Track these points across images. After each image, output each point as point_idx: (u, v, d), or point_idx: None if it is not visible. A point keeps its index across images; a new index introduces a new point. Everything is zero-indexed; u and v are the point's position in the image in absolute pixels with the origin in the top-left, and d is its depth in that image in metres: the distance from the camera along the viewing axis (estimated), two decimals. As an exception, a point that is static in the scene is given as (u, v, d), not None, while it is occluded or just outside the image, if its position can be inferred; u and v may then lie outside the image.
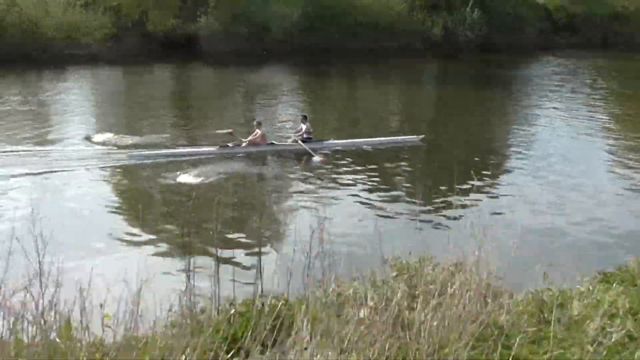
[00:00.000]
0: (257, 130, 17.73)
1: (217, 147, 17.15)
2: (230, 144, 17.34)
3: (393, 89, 31.41)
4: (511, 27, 47.10)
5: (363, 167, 15.81)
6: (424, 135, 18.76)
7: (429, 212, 12.16)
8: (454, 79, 35.79)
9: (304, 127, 18.19)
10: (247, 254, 9.87)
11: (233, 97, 27.74)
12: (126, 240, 10.68)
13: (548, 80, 33.34)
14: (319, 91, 29.93)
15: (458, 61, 41.64)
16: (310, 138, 18.01)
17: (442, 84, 34.92)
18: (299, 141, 17.73)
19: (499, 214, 12.10)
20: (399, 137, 18.89)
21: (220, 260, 6.20)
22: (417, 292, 5.01)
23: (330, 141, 18.15)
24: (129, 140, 17.93)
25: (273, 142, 17.90)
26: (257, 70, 35.18)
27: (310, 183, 14.62)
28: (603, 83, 33.05)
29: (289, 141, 18.10)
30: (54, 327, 4.06)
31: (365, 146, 18.04)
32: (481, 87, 31.37)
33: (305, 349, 3.92)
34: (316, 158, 16.55)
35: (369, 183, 14.55)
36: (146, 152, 16.64)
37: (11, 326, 3.95)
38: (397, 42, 42.95)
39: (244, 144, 17.47)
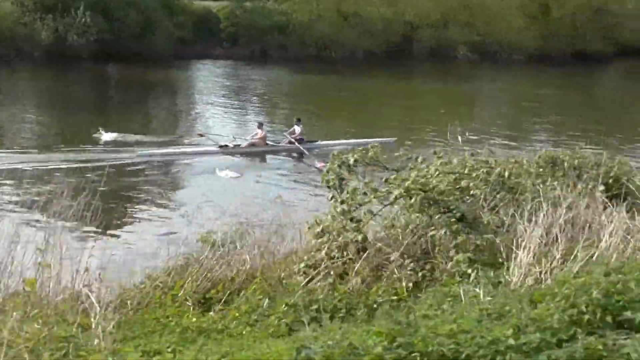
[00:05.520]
0: (258, 130, 19.61)
1: (218, 146, 18.90)
2: (230, 144, 19.14)
3: None
4: (139, 35, 40.89)
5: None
6: (396, 138, 19.77)
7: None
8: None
9: (297, 129, 19.76)
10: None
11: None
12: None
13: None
14: None
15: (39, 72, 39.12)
16: (303, 139, 19.62)
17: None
18: (295, 142, 19.46)
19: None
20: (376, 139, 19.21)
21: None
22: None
23: (321, 142, 19.68)
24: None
25: (268, 142, 19.86)
26: None
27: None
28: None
29: (284, 142, 19.97)
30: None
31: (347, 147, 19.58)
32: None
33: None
34: (317, 163, 17.05)
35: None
36: (152, 151, 18.84)
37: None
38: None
39: (243, 145, 19.30)
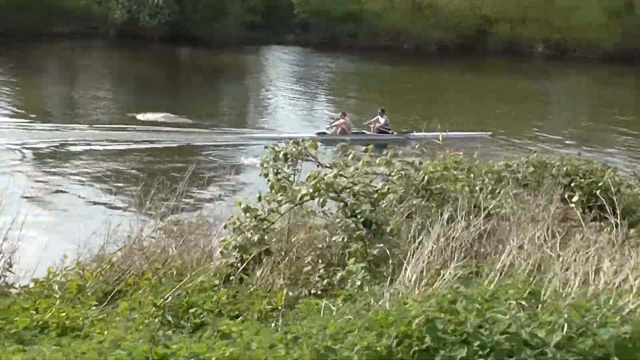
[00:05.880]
0: (341, 119, 19.94)
1: (316, 133, 18.74)
2: (328, 132, 19.56)
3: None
4: (210, 18, 40.89)
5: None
6: (491, 132, 20.52)
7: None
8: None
9: (381, 119, 20.00)
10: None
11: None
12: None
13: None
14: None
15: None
16: (389, 129, 19.93)
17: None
18: (381, 132, 19.81)
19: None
20: (469, 133, 19.73)
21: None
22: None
23: (416, 133, 18.86)
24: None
25: (363, 131, 20.12)
26: None
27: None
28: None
29: (370, 132, 20.05)
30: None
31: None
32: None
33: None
34: None
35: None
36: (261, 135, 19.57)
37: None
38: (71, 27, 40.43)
39: (331, 131, 19.63)
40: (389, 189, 6.10)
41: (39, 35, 37.89)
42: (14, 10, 38.02)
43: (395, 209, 6.13)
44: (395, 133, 19.98)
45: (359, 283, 4.66)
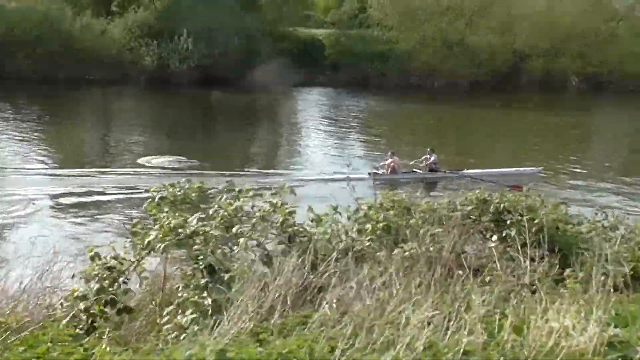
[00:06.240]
0: (389, 158, 19.93)
1: (367, 174, 18.75)
2: (379, 171, 19.50)
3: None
4: (242, 61, 41.02)
5: None
6: (542, 167, 20.59)
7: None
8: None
9: (430, 157, 20.11)
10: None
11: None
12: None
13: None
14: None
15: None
16: (438, 167, 20.03)
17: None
18: (428, 170, 19.97)
19: None
20: (518, 169, 20.18)
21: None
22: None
23: (467, 171, 19.51)
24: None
25: (414, 170, 20.19)
26: None
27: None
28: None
29: (420, 170, 20.21)
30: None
31: (487, 178, 18.08)
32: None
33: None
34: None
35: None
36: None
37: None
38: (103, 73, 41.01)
39: (382, 171, 19.65)
40: (204, 230, 5.42)
41: (76, 83, 38.54)
42: (55, 59, 39.07)
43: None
44: (446, 171, 19.98)
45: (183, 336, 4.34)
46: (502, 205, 6.91)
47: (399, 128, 33.26)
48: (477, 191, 7.29)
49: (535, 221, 6.39)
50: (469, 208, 7.02)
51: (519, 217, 6.52)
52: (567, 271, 5.49)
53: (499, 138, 29.82)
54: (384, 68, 45.76)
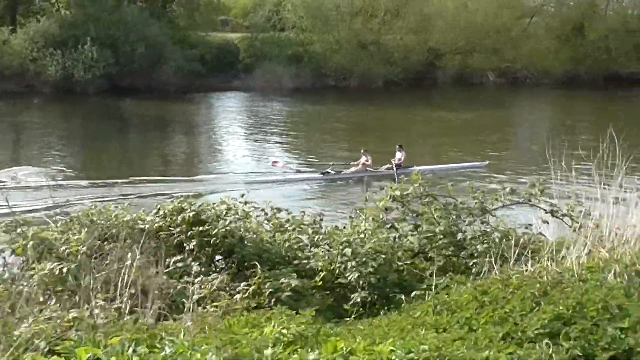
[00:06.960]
0: (363, 157, 20.25)
1: (320, 174, 19.71)
2: (332, 171, 19.90)
3: None
4: (148, 68, 40.06)
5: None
6: (487, 162, 21.34)
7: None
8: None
9: (399, 154, 20.45)
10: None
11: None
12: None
13: None
14: None
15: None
16: (401, 165, 20.17)
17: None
18: (393, 167, 20.05)
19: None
20: (466, 164, 21.16)
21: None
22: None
23: (416, 167, 18.75)
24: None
25: (369, 168, 20.45)
26: None
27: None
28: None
29: (384, 167, 20.42)
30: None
31: (440, 172, 19.01)
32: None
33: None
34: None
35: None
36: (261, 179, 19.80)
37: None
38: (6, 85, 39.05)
39: (346, 171, 20.03)
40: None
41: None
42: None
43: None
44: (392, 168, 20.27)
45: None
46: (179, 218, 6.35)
47: (315, 129, 33.07)
48: (177, 200, 6.71)
49: (214, 231, 6.08)
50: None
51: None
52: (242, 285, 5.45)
53: (416, 137, 29.66)
54: (299, 71, 45.37)
